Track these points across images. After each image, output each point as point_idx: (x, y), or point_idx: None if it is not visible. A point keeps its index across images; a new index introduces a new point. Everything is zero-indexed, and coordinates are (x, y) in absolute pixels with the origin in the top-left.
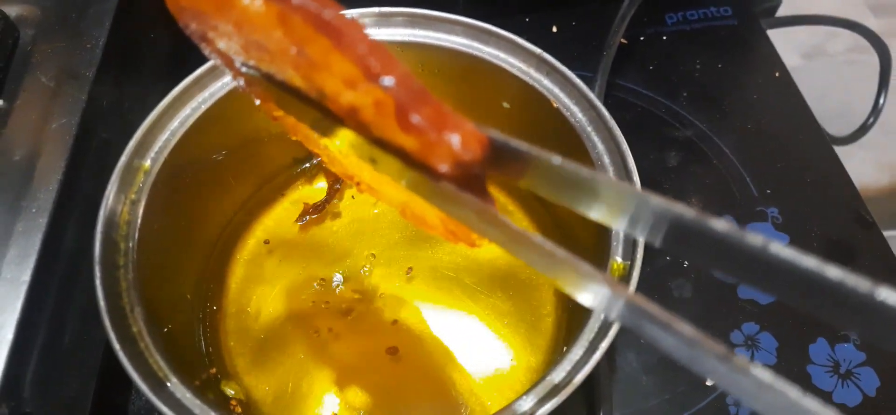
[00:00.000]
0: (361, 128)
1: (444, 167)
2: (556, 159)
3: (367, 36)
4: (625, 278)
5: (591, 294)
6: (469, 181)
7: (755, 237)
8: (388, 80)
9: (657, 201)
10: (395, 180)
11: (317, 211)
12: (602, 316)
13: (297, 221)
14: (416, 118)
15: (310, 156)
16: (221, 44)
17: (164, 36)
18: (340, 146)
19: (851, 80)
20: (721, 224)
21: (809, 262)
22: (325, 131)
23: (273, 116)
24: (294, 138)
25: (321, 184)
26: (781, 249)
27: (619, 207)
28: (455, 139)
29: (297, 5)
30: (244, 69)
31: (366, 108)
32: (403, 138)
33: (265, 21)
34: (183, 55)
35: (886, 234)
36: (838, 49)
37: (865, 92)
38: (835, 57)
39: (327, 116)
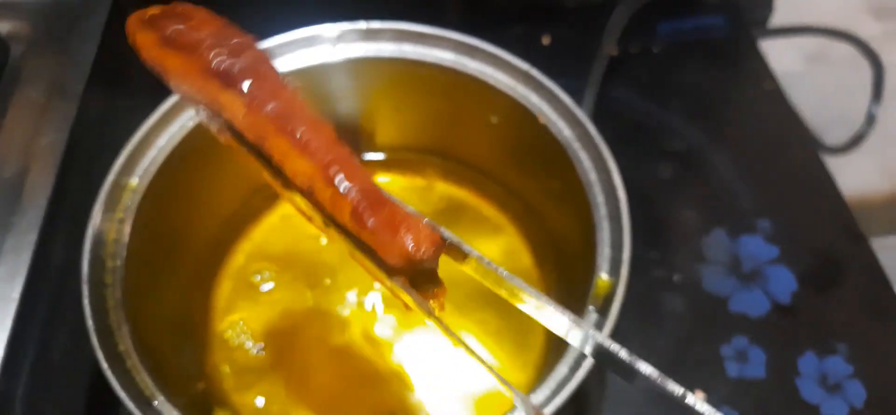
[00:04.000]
0: (316, 204)
1: (396, 263)
2: (502, 271)
3: (337, 146)
4: (609, 295)
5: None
6: (421, 271)
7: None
8: (346, 186)
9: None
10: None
11: None
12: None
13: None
14: (371, 221)
15: None
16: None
17: None
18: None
19: (853, 84)
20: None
21: None
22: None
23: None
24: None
25: None
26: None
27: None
28: (409, 240)
29: (266, 111)
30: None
31: (322, 196)
32: (358, 232)
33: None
34: None
35: (889, 240)
36: (840, 52)
37: (868, 95)
38: (837, 60)
39: (282, 179)
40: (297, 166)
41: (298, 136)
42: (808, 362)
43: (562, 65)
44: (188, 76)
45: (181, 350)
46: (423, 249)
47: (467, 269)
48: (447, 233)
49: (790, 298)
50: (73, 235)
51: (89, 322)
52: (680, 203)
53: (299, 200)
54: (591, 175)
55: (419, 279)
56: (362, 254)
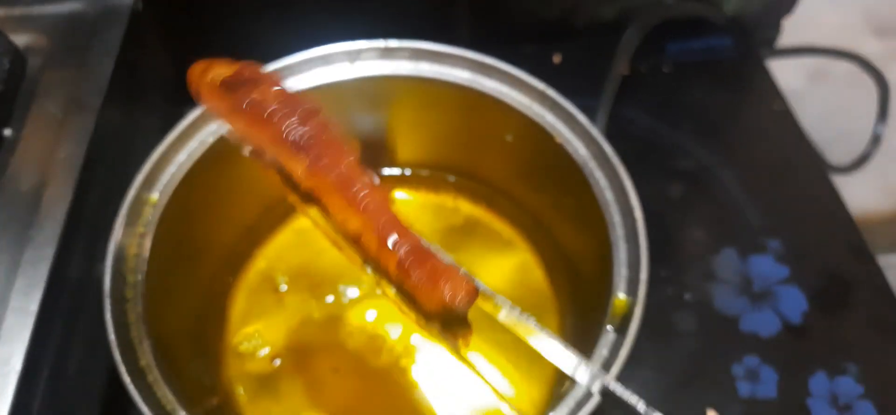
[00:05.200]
0: (361, 250)
1: (434, 309)
2: (532, 321)
3: (388, 209)
4: (627, 315)
5: None
6: (453, 317)
7: None
8: (395, 242)
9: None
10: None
11: None
12: (604, 352)
13: None
14: (415, 275)
15: None
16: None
17: (167, 63)
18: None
19: (856, 102)
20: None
21: None
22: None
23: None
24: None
25: None
26: None
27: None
28: (447, 291)
29: (331, 177)
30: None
31: (370, 247)
32: (402, 281)
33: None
34: (184, 80)
35: (893, 258)
36: (842, 70)
37: (869, 114)
38: (838, 78)
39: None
40: (352, 222)
41: (356, 198)
42: (819, 383)
43: (573, 84)
44: (259, 141)
45: (197, 363)
46: (459, 299)
47: (486, 307)
48: (481, 284)
49: (801, 318)
50: (91, 248)
51: (112, 337)
52: (690, 222)
53: (315, 213)
54: (607, 194)
55: (451, 322)
56: (400, 296)
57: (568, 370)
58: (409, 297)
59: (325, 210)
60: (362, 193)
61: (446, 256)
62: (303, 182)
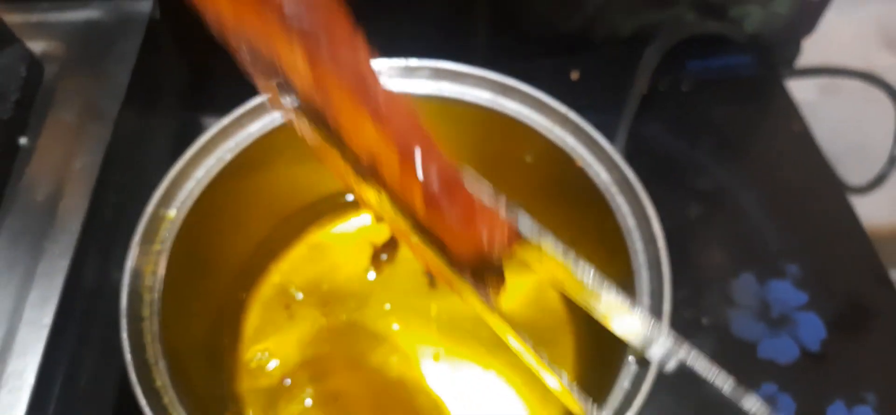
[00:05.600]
0: (382, 183)
1: (465, 256)
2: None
3: (415, 120)
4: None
5: None
6: (488, 267)
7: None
8: (420, 163)
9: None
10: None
11: (387, 250)
12: (626, 385)
13: (372, 267)
14: (447, 212)
15: (325, 200)
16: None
17: (182, 71)
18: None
19: (868, 116)
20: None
21: None
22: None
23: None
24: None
25: (338, 227)
26: None
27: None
28: (483, 234)
29: (341, 72)
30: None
31: (390, 172)
32: (428, 218)
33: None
34: (200, 89)
35: None
36: (855, 84)
37: (881, 127)
38: (851, 91)
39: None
40: (367, 134)
41: (374, 100)
42: (837, 412)
43: (591, 99)
44: (249, 28)
45: (210, 380)
46: (498, 246)
47: (528, 256)
48: (526, 225)
49: (819, 346)
50: (105, 259)
51: (128, 357)
52: (708, 243)
53: (371, 195)
54: (629, 221)
55: (484, 272)
56: (425, 241)
57: (635, 341)
58: (436, 243)
59: (330, 126)
60: (382, 97)
61: (483, 185)
62: (304, 82)
